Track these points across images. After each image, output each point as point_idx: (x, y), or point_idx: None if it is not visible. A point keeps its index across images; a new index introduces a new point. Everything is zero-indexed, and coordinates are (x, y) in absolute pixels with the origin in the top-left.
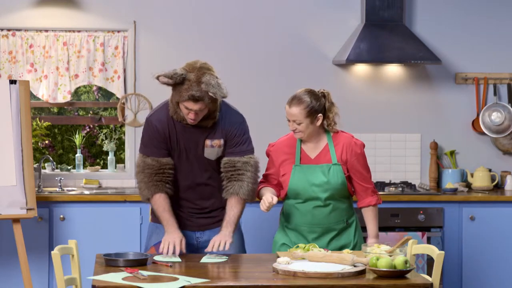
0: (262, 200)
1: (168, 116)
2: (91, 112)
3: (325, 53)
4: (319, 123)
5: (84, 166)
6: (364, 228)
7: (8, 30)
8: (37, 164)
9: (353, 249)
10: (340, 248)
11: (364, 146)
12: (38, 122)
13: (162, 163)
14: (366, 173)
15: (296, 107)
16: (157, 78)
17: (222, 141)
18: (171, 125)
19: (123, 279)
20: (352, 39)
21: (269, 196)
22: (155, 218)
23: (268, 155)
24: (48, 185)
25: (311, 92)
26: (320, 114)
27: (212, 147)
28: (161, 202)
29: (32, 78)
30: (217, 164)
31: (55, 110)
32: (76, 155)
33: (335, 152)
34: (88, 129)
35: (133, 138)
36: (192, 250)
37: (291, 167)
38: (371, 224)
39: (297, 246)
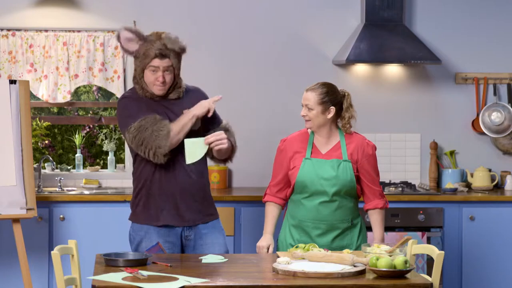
0: (258, 248)
1: (142, 99)
2: (91, 112)
3: (325, 53)
4: (330, 115)
5: (84, 166)
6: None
7: (8, 30)
8: (37, 164)
9: (355, 250)
10: (343, 248)
11: (375, 148)
12: (38, 122)
13: (162, 117)
14: (375, 175)
15: (311, 92)
16: (125, 30)
17: None
18: (146, 103)
19: (123, 279)
20: (352, 39)
21: (265, 249)
22: (144, 219)
23: (280, 151)
24: (48, 185)
25: (330, 85)
26: (332, 107)
27: None
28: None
29: (32, 78)
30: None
31: (55, 110)
32: (76, 155)
33: (347, 150)
34: (88, 129)
35: None
36: (179, 250)
37: (301, 160)
38: (377, 227)
39: (297, 246)
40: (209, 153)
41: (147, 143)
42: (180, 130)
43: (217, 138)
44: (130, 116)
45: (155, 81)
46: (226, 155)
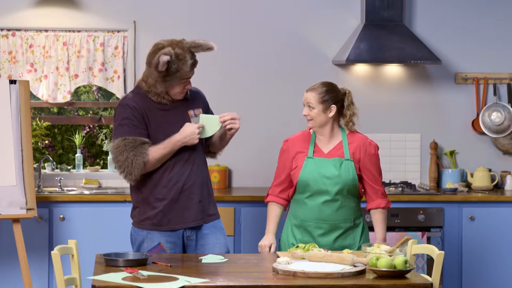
0: (260, 248)
1: (145, 101)
2: (91, 112)
3: (325, 53)
4: (331, 114)
5: (84, 166)
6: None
7: (8, 30)
8: (37, 164)
9: (357, 250)
10: (345, 248)
11: (378, 148)
12: (38, 122)
13: (143, 141)
14: (377, 175)
15: (311, 91)
16: (168, 56)
17: (200, 110)
18: (150, 109)
19: (123, 279)
20: (352, 39)
21: (267, 248)
22: (144, 224)
23: (282, 151)
24: (48, 185)
25: (330, 83)
26: (333, 105)
27: (195, 116)
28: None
29: (32, 78)
30: (200, 144)
31: (55, 110)
32: (76, 155)
33: (349, 150)
34: (88, 129)
35: None
36: (181, 250)
37: (304, 160)
38: (379, 227)
39: (297, 246)
40: (209, 149)
41: (120, 166)
42: (160, 159)
43: (232, 117)
44: (117, 129)
45: (183, 90)
46: (225, 145)
